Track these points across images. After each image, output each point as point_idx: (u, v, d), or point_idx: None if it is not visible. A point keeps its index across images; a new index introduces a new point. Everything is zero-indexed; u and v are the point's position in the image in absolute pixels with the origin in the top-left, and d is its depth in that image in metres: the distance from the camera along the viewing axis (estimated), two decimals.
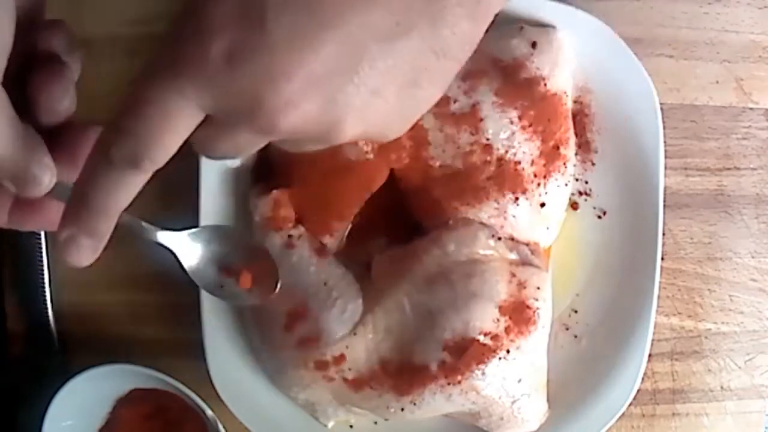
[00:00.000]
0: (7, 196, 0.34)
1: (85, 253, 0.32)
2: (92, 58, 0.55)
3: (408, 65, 0.30)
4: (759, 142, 0.56)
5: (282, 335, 0.50)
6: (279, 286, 0.45)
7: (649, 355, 0.52)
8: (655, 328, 0.52)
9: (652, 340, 0.52)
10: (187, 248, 0.42)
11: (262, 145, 0.32)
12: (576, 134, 0.52)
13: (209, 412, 0.52)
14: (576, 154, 0.52)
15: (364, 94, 0.30)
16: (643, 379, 0.52)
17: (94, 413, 0.55)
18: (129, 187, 0.31)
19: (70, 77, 0.33)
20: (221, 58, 0.28)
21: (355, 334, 0.49)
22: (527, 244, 0.51)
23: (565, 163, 0.51)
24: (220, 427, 0.52)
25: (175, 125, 0.29)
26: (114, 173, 0.30)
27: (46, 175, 0.31)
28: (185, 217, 0.52)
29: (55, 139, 0.33)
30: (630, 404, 0.52)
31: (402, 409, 0.49)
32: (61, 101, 0.33)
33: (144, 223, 0.39)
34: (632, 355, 0.52)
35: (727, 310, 0.57)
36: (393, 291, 0.49)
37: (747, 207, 0.56)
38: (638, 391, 0.52)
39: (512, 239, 0.50)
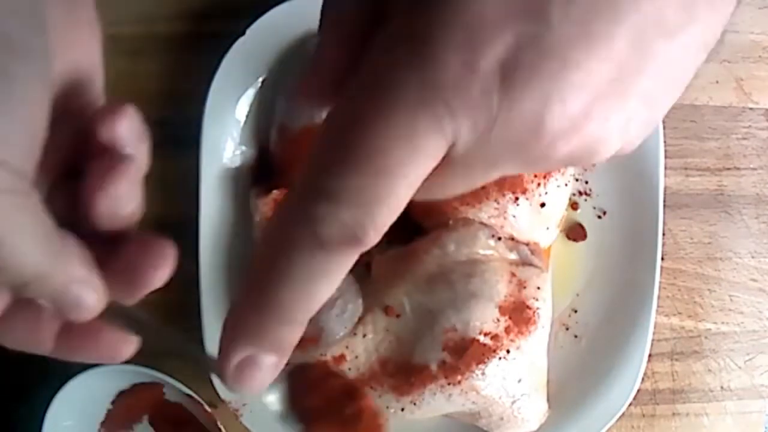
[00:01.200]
0: (52, 318, 0.27)
1: (269, 374, 0.24)
2: None
3: (680, 64, 0.24)
4: (759, 142, 0.56)
5: None
6: None
7: (649, 355, 0.52)
8: (655, 328, 0.52)
9: (652, 340, 0.52)
10: None
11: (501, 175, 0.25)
12: None
13: (209, 411, 0.52)
14: None
15: (636, 103, 0.23)
16: (643, 379, 0.52)
17: (94, 413, 0.55)
18: (339, 272, 0.22)
19: (138, 175, 0.26)
20: (494, 74, 0.20)
21: (355, 334, 0.49)
22: (527, 244, 0.51)
23: None
24: (220, 426, 0.52)
25: (415, 171, 0.21)
26: (321, 258, 0.22)
27: (91, 296, 0.25)
28: (185, 218, 0.52)
29: (110, 250, 0.26)
30: (630, 404, 0.52)
31: (402, 409, 0.49)
32: (124, 205, 0.26)
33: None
34: (632, 355, 0.52)
35: (727, 310, 0.57)
36: (393, 291, 0.49)
37: (747, 207, 0.56)
38: (638, 391, 0.52)
39: (512, 239, 0.50)
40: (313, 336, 0.49)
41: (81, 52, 0.27)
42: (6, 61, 0.22)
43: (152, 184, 0.61)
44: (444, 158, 0.22)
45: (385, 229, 0.22)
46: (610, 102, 0.22)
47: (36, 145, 0.23)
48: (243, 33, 0.51)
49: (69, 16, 0.25)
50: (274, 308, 0.22)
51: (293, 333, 0.23)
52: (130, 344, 0.28)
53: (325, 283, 0.22)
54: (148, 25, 0.55)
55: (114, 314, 0.26)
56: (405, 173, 0.21)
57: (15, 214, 0.22)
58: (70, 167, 0.25)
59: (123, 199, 0.26)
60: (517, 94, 0.21)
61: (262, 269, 0.23)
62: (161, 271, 0.26)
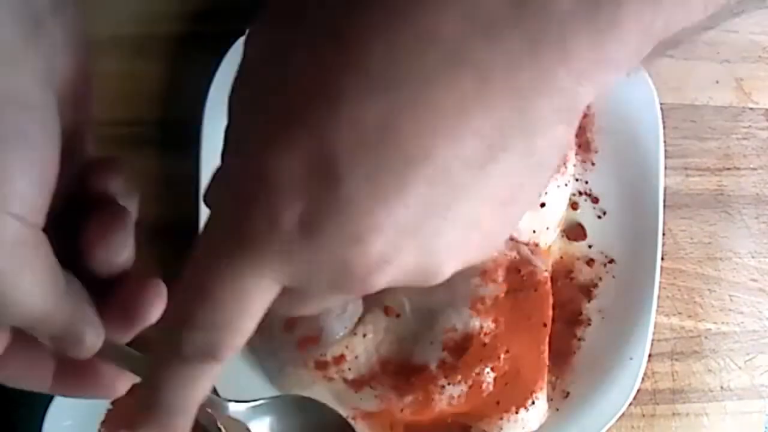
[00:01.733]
0: (50, 357, 0.30)
1: None
2: (92, 58, 0.55)
3: (502, 186, 0.25)
4: (759, 142, 0.56)
5: (282, 335, 0.50)
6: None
7: (649, 355, 0.52)
8: (655, 328, 0.52)
9: (652, 340, 0.52)
10: (261, 422, 0.38)
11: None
12: (576, 134, 0.52)
13: (208, 411, 0.52)
14: (576, 154, 0.52)
15: (460, 230, 0.25)
16: (643, 379, 0.52)
17: (94, 413, 0.55)
18: (207, 379, 0.27)
19: (131, 225, 0.29)
20: (295, 229, 0.23)
21: (355, 334, 0.49)
22: (527, 244, 0.51)
23: (565, 163, 0.51)
24: (220, 426, 0.52)
25: (251, 307, 0.25)
26: (189, 369, 0.26)
27: (91, 335, 0.28)
28: (185, 218, 0.52)
29: (105, 291, 0.29)
30: (630, 404, 0.52)
31: (401, 410, 0.49)
32: (120, 253, 0.29)
33: (212, 396, 0.35)
34: (632, 355, 0.52)
35: (727, 310, 0.57)
36: (393, 291, 0.49)
37: (747, 207, 0.56)
38: (638, 391, 0.52)
39: (512, 239, 0.50)
40: (313, 336, 0.49)
41: (81, 103, 0.30)
42: (20, 118, 0.24)
43: (152, 184, 0.61)
44: (285, 296, 0.25)
45: (240, 345, 0.26)
46: (420, 234, 0.24)
47: (48, 196, 0.26)
48: (243, 33, 0.51)
49: (73, 72, 0.28)
50: (158, 405, 0.27)
51: (179, 421, 0.28)
52: (125, 380, 0.31)
53: (193, 387, 0.27)
54: (148, 25, 0.55)
55: (110, 352, 0.29)
56: (243, 309, 0.25)
57: (28, 264, 0.25)
58: (62, 208, 0.28)
59: (119, 248, 0.29)
60: (318, 243, 0.23)
61: (148, 374, 0.28)
62: (154, 310, 0.29)
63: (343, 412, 0.52)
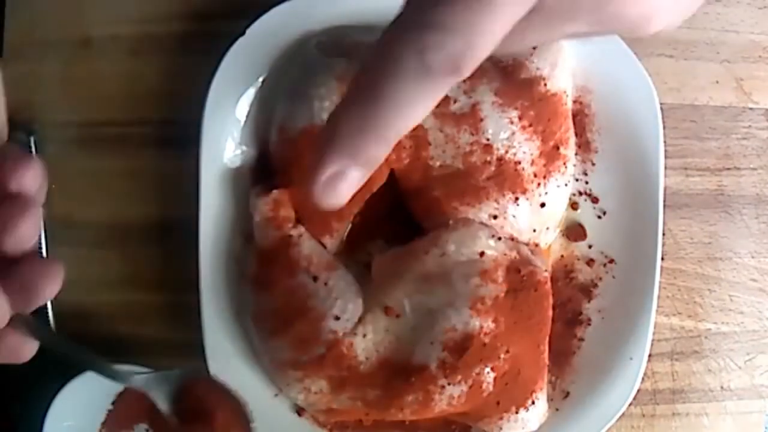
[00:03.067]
0: None
1: (351, 188, 0.27)
2: (92, 58, 0.55)
3: None
4: (759, 142, 0.56)
5: (281, 335, 0.50)
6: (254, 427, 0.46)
7: (649, 355, 0.52)
8: (655, 328, 0.52)
9: (652, 340, 0.52)
10: (159, 391, 0.44)
11: (570, 39, 0.28)
12: (576, 134, 0.52)
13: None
14: (576, 154, 0.52)
15: None
16: (643, 379, 0.52)
17: (94, 413, 0.55)
18: (434, 99, 0.25)
19: (39, 215, 0.32)
20: None
21: (355, 334, 0.49)
22: (527, 244, 0.51)
23: (565, 163, 0.51)
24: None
25: (510, 12, 0.23)
26: (424, 83, 0.24)
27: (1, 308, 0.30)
28: (185, 218, 0.52)
29: (12, 267, 0.31)
30: (630, 404, 0.52)
31: (402, 409, 0.49)
32: (26, 242, 0.32)
33: (116, 367, 0.41)
34: (632, 355, 0.52)
35: (727, 310, 0.57)
36: (393, 291, 0.49)
37: (747, 207, 0.56)
38: (638, 391, 0.52)
39: (512, 239, 0.50)
40: (312, 336, 0.49)
41: None
42: None
43: (152, 184, 0.61)
44: (529, 13, 0.24)
45: (478, 63, 0.24)
46: None
47: None
48: (243, 33, 0.51)
49: None
50: (373, 128, 0.25)
51: (384, 151, 0.26)
52: (31, 347, 0.34)
53: (421, 107, 0.25)
54: (148, 25, 0.55)
55: (18, 322, 0.32)
56: (503, 11, 0.23)
57: None
58: None
59: (26, 237, 0.31)
60: None
61: (366, 94, 0.25)
62: (51, 288, 0.33)
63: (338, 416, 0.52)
